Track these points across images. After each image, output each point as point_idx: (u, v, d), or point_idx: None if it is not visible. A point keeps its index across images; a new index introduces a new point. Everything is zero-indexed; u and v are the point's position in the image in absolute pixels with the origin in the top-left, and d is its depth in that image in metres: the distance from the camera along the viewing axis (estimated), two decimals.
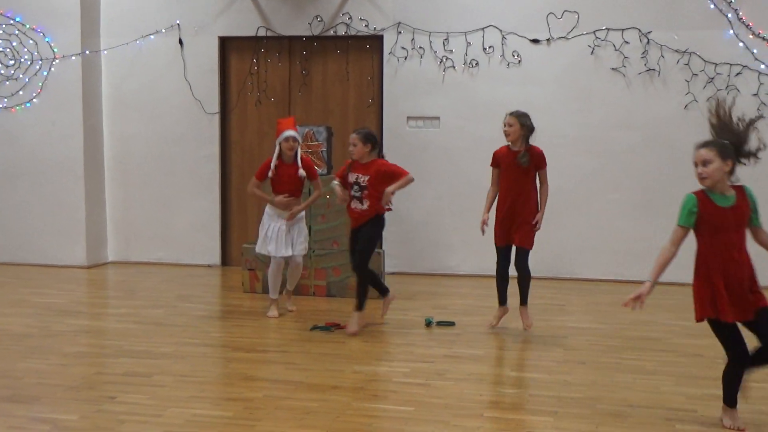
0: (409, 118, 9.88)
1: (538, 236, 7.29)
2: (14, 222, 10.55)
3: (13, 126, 10.37)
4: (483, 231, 7.21)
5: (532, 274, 7.10)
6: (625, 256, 9.56)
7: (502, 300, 7.15)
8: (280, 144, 7.56)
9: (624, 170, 9.54)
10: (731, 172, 4.44)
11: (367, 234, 7.18)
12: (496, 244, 7.07)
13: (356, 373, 6.22)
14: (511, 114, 6.96)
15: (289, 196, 7.66)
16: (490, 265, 9.19)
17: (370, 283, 7.26)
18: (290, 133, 7.57)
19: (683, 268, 9.23)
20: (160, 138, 10.19)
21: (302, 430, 4.99)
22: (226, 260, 10.56)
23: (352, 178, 7.15)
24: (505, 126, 6.92)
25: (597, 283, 9.60)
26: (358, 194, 7.15)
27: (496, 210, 7.03)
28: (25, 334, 7.37)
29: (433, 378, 6.07)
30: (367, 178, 7.08)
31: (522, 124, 6.87)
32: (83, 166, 10.14)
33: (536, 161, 6.84)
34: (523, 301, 7.07)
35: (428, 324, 7.58)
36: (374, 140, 7.25)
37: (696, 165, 4.42)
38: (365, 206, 7.13)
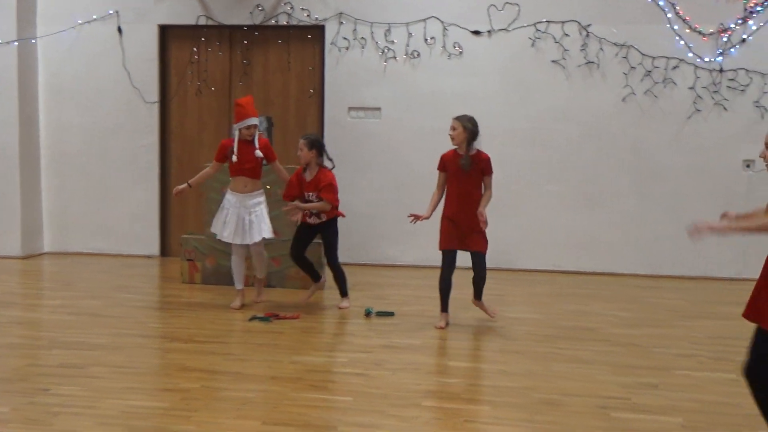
0: (350, 108, 9.88)
1: None
2: None
3: None
4: (413, 221, 7.21)
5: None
6: (564, 248, 9.67)
7: (445, 307, 7.13)
8: (240, 130, 7.50)
9: (563, 162, 9.61)
10: None
11: (327, 235, 7.57)
12: (441, 247, 7.06)
13: (294, 363, 6.16)
14: (456, 118, 6.98)
15: (250, 177, 7.58)
16: (429, 256, 9.21)
17: (309, 269, 7.48)
18: (253, 121, 7.52)
19: (623, 258, 9.29)
20: (98, 127, 10.06)
21: (239, 420, 4.95)
22: (165, 251, 10.53)
23: (307, 196, 7.50)
24: (450, 130, 6.95)
25: (535, 274, 9.69)
26: (314, 211, 7.64)
27: (443, 213, 7.03)
28: None
29: (371, 368, 6.08)
30: (315, 194, 7.46)
31: (465, 127, 6.89)
32: (18, 156, 10.01)
33: (482, 166, 6.86)
34: (478, 296, 7.07)
35: (368, 314, 7.57)
36: (320, 146, 7.37)
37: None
38: (322, 218, 7.48)
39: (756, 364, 4.26)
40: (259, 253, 7.93)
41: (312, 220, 7.61)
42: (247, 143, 7.58)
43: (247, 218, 7.61)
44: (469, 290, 7.46)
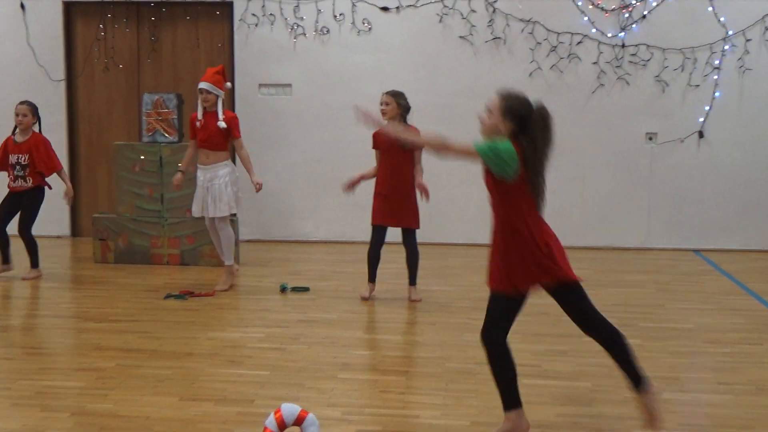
0: (260, 85, 9.89)
1: None
2: None
3: None
4: (345, 188, 7.08)
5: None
6: (475, 221, 9.65)
7: (372, 277, 7.11)
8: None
9: (471, 136, 9.38)
10: None
11: (30, 204, 7.70)
12: (373, 222, 7.00)
13: (210, 339, 6.18)
14: (387, 93, 6.88)
15: (209, 148, 7.38)
16: (343, 231, 9.37)
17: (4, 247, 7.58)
18: (200, 84, 7.31)
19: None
20: (2, 105, 9.62)
21: (156, 397, 4.94)
22: (76, 231, 10.39)
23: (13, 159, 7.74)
24: (381, 104, 6.82)
25: (448, 247, 9.78)
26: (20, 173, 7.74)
27: (376, 189, 6.98)
28: None
29: (287, 342, 6.14)
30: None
31: (399, 103, 6.81)
32: None
33: None
34: (413, 281, 7.05)
35: (283, 290, 7.56)
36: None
37: None
38: (29, 183, 7.71)
39: (489, 327, 4.42)
40: (216, 229, 7.65)
41: (18, 185, 7.67)
42: (210, 114, 7.32)
43: (208, 192, 7.46)
44: (390, 265, 7.49)
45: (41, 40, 10.02)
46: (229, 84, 7.80)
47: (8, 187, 8.09)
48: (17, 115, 7.63)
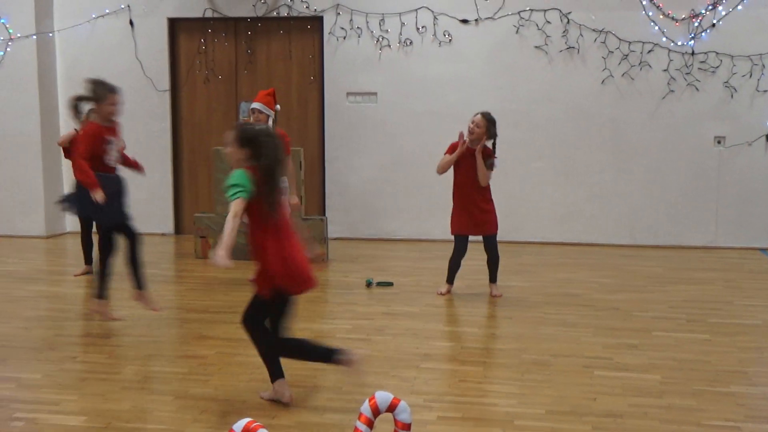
0: (348, 93, 9.92)
1: None
2: None
3: None
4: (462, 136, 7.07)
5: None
6: (550, 221, 9.77)
7: (450, 280, 7.14)
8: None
9: (546, 140, 9.70)
10: None
11: None
12: (454, 232, 7.03)
13: (302, 330, 6.11)
14: (483, 115, 6.78)
15: None
16: (426, 230, 9.51)
17: None
18: (253, 105, 7.50)
19: (604, 229, 9.49)
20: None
21: (252, 383, 5.07)
22: (179, 229, 10.58)
23: None
24: (471, 124, 6.80)
25: (523, 245, 9.76)
26: None
27: (454, 200, 6.97)
28: None
29: (373, 334, 6.15)
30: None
31: (488, 129, 6.77)
32: (40, 143, 10.12)
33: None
34: (494, 279, 7.09)
35: (368, 285, 7.65)
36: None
37: None
38: None
39: (249, 316, 4.68)
40: None
41: None
42: None
43: None
44: (470, 262, 7.42)
45: (148, 53, 10.23)
46: (278, 106, 7.85)
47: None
48: None
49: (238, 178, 4.40)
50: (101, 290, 6.52)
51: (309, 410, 4.74)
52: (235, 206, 4.34)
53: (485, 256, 7.22)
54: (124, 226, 6.47)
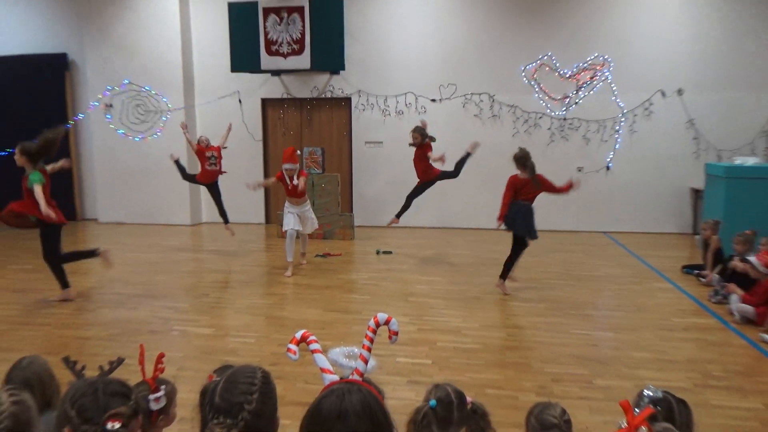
0: (366, 142, 11.30)
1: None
2: (146, 198, 11.58)
3: (147, 148, 11.54)
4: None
5: None
6: (477, 213, 11.04)
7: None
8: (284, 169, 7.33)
9: (478, 168, 11.04)
10: None
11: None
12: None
13: (339, 278, 7.46)
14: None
15: (298, 197, 7.78)
16: (410, 220, 10.57)
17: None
18: (285, 165, 7.59)
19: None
20: (230, 154, 10.36)
21: (311, 309, 6.11)
22: (268, 219, 11.74)
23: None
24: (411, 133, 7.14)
25: (461, 230, 10.95)
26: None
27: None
28: (156, 262, 8.34)
29: (379, 281, 7.16)
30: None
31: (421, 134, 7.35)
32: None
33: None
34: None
35: (378, 253, 8.72)
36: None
37: None
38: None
39: (47, 253, 5.82)
40: (305, 237, 8.12)
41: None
42: (293, 178, 7.49)
43: (301, 217, 7.77)
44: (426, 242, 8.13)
45: (250, 118, 11.49)
46: (299, 151, 7.79)
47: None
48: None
49: (35, 177, 5.65)
50: (506, 272, 6.57)
51: (343, 323, 5.56)
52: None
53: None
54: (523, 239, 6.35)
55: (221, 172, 8.69)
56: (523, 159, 6.62)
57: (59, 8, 11.80)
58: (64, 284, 6.37)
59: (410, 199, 8.36)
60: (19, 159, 6.01)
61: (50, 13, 11.89)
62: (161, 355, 2.21)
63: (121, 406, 1.70)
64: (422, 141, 8.03)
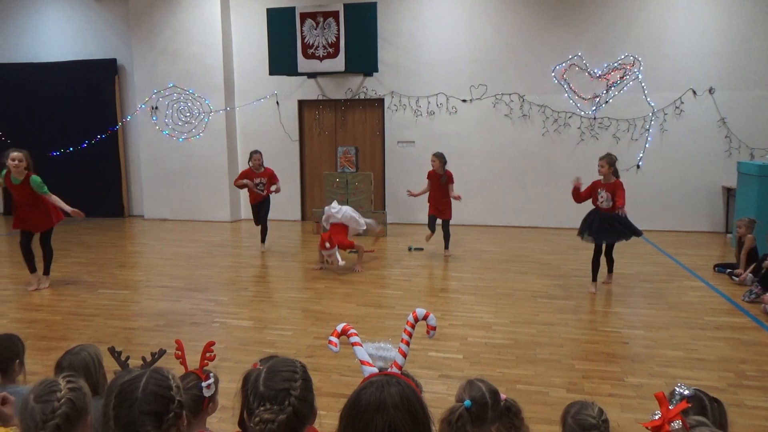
0: (398, 141, 11.11)
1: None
2: (188, 196, 11.67)
3: (190, 148, 11.48)
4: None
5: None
6: (509, 211, 10.89)
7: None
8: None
9: (509, 168, 10.90)
10: None
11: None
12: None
13: (372, 274, 7.41)
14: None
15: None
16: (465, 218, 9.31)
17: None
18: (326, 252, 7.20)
19: (537, 217, 10.66)
20: (269, 154, 10.68)
21: (345, 303, 6.07)
22: (304, 217, 11.67)
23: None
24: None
25: (496, 227, 10.86)
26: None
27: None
28: (198, 256, 8.39)
29: (411, 277, 7.02)
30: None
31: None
32: (227, 168, 11.37)
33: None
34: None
35: (409, 249, 8.61)
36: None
37: None
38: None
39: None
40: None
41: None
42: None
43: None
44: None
45: (287, 119, 11.46)
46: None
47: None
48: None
49: (35, 181, 5.77)
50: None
51: (375, 318, 5.45)
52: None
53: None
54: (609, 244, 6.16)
55: (267, 194, 8.63)
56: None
57: (110, 17, 12.11)
58: (34, 269, 6.68)
59: (432, 223, 8.27)
60: (19, 164, 6.28)
61: (101, 22, 12.21)
62: (210, 343, 2.20)
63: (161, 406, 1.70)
64: (442, 168, 7.69)
